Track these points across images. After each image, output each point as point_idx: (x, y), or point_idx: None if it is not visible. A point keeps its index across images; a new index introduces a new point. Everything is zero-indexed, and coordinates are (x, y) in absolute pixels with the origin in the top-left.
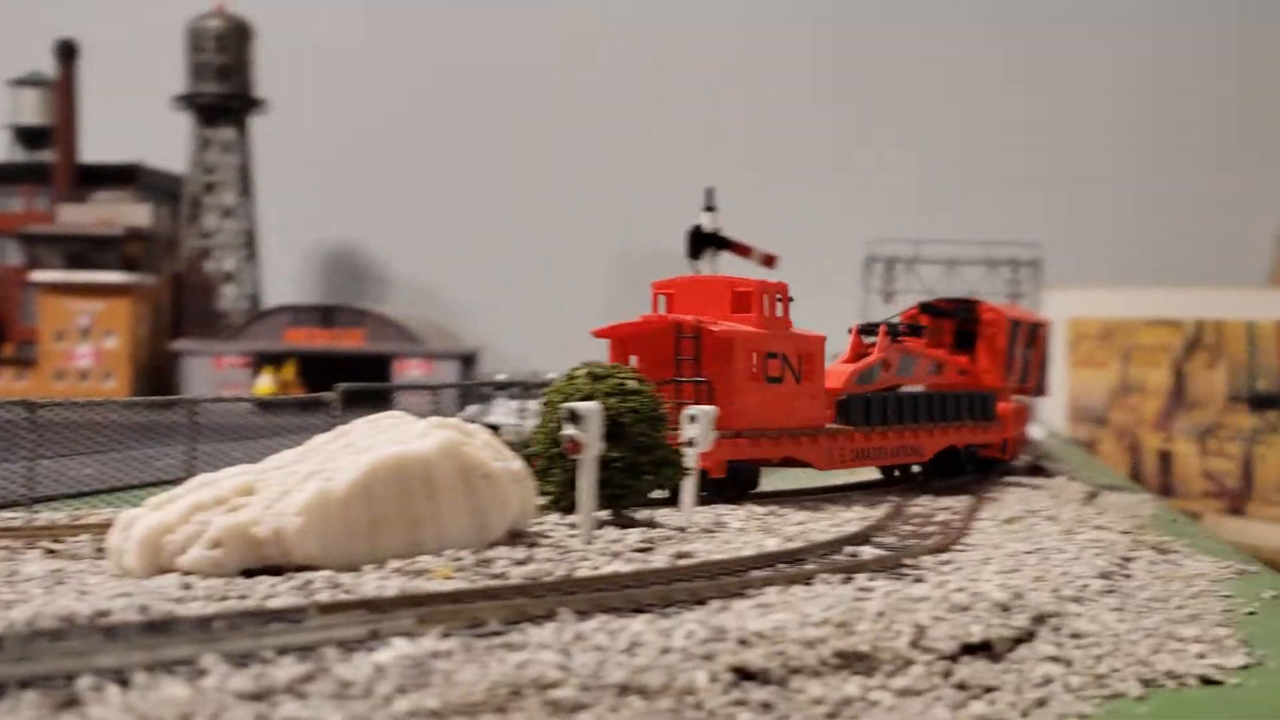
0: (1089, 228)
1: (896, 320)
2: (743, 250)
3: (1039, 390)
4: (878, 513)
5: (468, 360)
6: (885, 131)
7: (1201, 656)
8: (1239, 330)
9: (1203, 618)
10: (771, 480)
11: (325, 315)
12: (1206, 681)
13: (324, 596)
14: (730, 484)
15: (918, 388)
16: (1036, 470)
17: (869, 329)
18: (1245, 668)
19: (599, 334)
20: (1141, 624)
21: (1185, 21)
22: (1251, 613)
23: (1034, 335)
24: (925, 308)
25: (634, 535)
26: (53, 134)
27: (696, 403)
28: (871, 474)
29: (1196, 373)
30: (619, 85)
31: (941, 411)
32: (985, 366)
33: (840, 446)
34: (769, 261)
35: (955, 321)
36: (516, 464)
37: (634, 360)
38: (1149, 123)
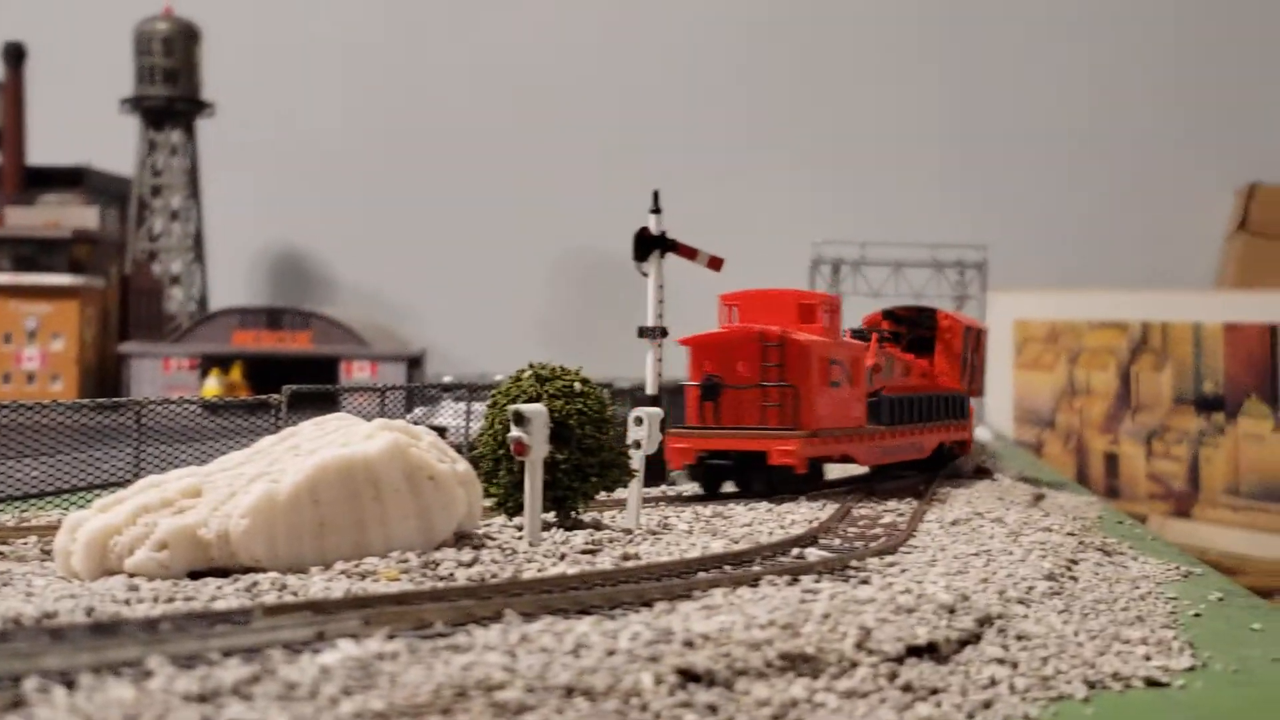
0: (1035, 230)
1: (860, 328)
2: (689, 253)
3: (980, 391)
4: (824, 515)
5: (414, 362)
6: (830, 133)
7: (1147, 658)
8: (1185, 332)
9: (1148, 620)
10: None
11: (272, 317)
12: (1152, 683)
13: (270, 598)
14: (809, 479)
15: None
16: (983, 473)
17: (860, 335)
18: (1191, 669)
19: (685, 342)
20: (1087, 626)
21: (1128, 23)
22: (1197, 615)
23: (978, 340)
24: (888, 314)
25: (580, 537)
26: (1, 137)
27: (781, 408)
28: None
29: (1143, 375)
30: (562, 89)
31: (937, 411)
32: (942, 370)
33: (876, 444)
34: (715, 264)
35: (911, 327)
36: (462, 466)
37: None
38: (1093, 125)
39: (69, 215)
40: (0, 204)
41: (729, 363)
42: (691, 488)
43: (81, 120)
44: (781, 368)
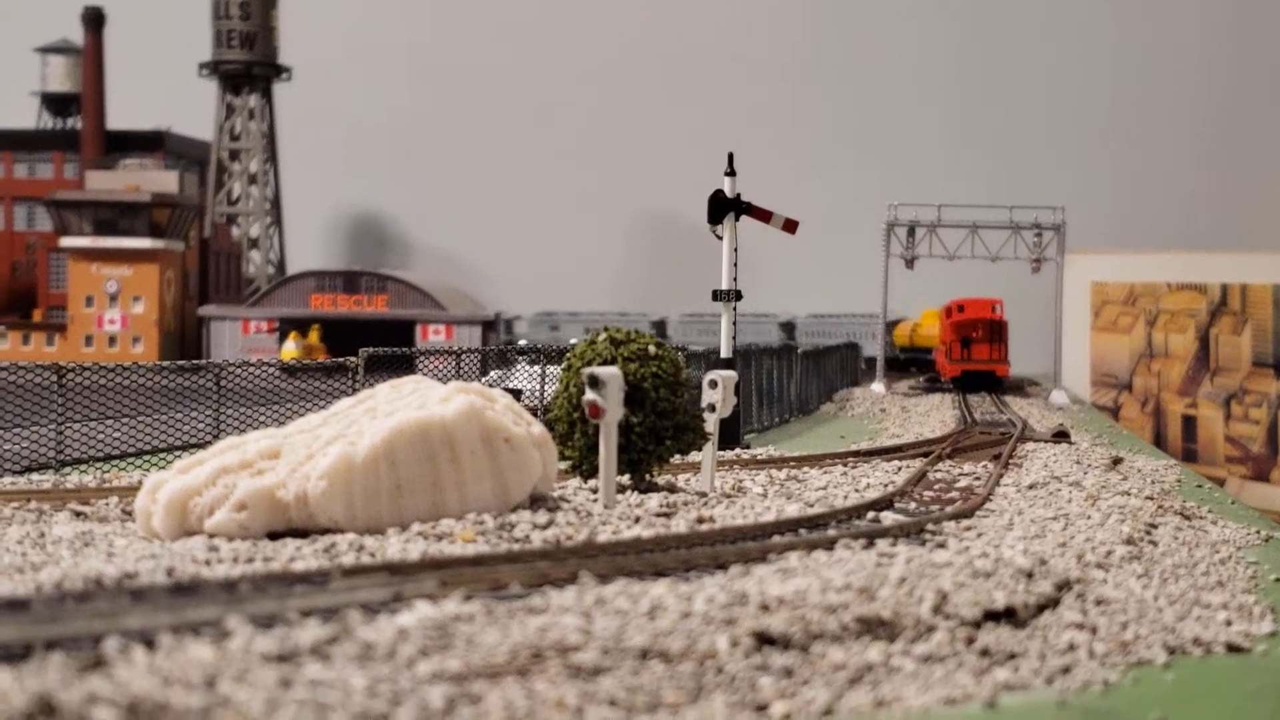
0: (1113, 192)
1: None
2: (764, 215)
3: None
4: (900, 478)
5: (489, 325)
6: (908, 94)
7: (1228, 624)
8: (1265, 294)
9: (1229, 584)
10: (798, 444)
11: (349, 281)
12: (1233, 649)
13: (348, 559)
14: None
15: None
16: (1060, 436)
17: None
18: (1272, 635)
19: (951, 320)
20: (1167, 590)
21: None
22: (1278, 579)
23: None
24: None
25: (655, 500)
26: (81, 101)
27: (1000, 350)
28: (895, 439)
29: (1222, 337)
30: (640, 51)
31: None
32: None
33: (1000, 367)
34: (790, 227)
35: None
36: (538, 429)
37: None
38: (1174, 86)
39: (148, 179)
40: (81, 168)
41: (972, 330)
42: (766, 451)
43: (160, 84)
44: (1000, 332)
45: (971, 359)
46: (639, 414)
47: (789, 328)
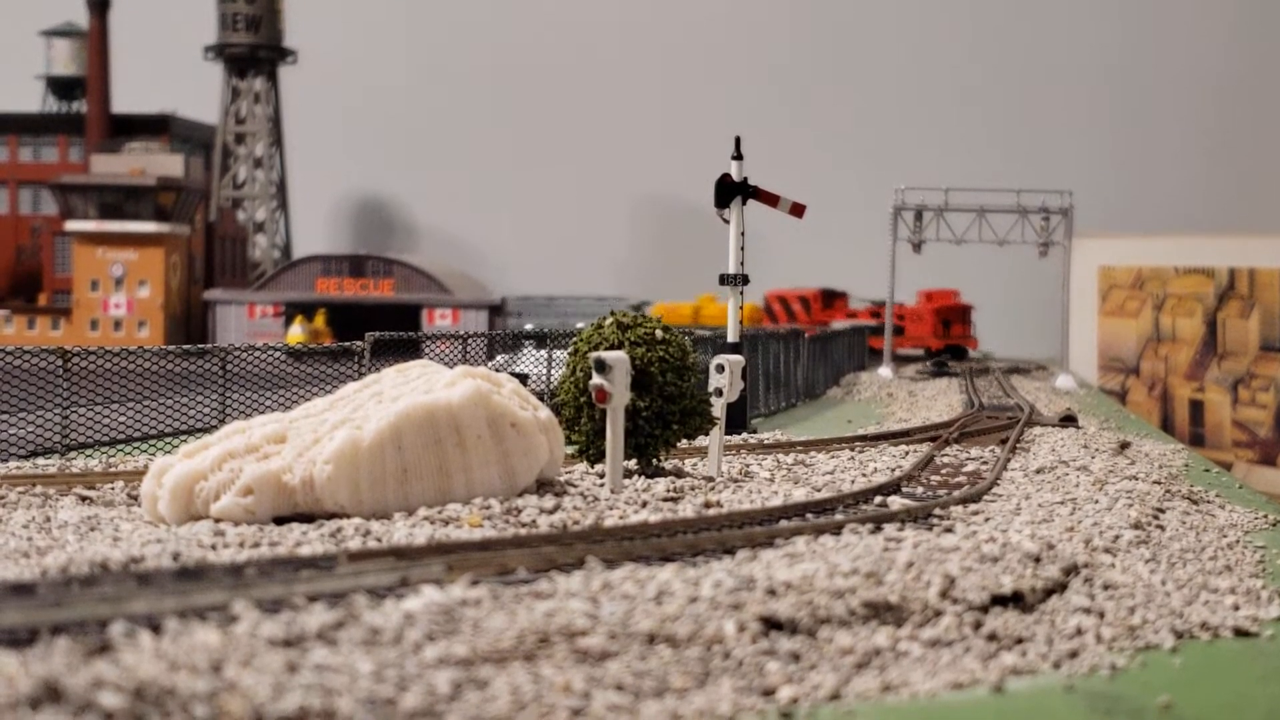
0: (1121, 176)
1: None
2: (771, 200)
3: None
4: (907, 463)
5: (495, 310)
6: (915, 77)
7: (1236, 608)
8: (1273, 278)
9: (1237, 569)
10: (804, 429)
11: (355, 265)
12: (1241, 633)
13: (354, 544)
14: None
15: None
16: (1067, 421)
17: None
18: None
19: (932, 307)
20: (1174, 575)
21: None
22: None
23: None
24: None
25: (662, 485)
26: (85, 84)
27: (967, 329)
28: (902, 423)
29: (1229, 321)
30: (645, 34)
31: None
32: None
33: (970, 342)
34: (798, 211)
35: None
36: (544, 413)
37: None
38: (1180, 68)
39: (154, 163)
40: (86, 152)
41: (947, 314)
42: (773, 435)
43: (165, 68)
44: (967, 315)
45: (950, 336)
46: (646, 398)
47: (498, 310)
